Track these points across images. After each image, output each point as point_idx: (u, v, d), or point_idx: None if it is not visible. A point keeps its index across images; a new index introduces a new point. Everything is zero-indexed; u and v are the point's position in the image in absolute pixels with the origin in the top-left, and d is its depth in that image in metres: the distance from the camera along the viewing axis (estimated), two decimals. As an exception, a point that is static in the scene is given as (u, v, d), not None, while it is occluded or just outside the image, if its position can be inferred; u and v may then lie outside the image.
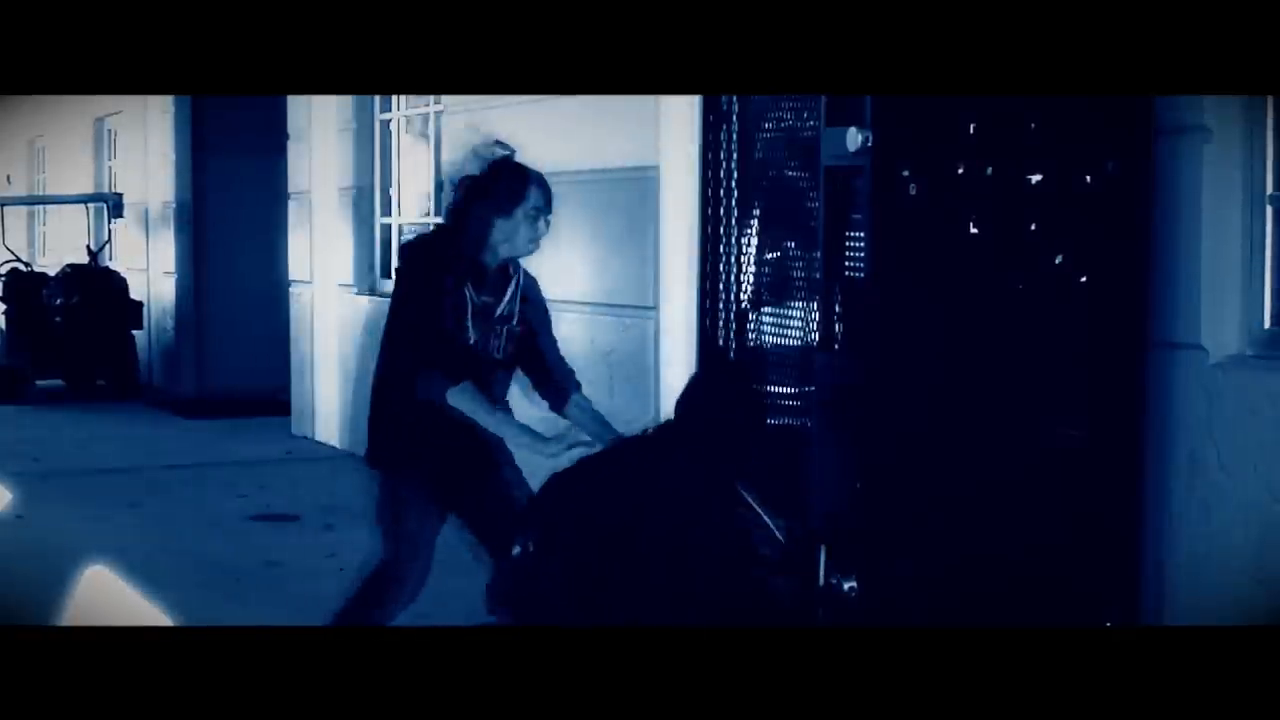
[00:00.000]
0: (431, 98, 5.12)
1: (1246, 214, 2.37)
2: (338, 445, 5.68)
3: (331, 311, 5.79)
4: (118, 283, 7.58)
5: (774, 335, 2.66)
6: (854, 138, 2.24)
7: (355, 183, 5.60)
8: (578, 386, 2.58)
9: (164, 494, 4.74)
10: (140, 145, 7.93)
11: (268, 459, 5.41)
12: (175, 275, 7.48)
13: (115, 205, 7.88)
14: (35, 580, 3.45)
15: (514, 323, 2.48)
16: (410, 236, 2.51)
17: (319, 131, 5.78)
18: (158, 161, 7.63)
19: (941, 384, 2.28)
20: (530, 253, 2.51)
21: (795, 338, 2.55)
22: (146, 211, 7.86)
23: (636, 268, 3.86)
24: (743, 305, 2.79)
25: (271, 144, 6.33)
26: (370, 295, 5.53)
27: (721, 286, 2.85)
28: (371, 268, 5.62)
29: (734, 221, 2.79)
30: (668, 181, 3.67)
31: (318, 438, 5.86)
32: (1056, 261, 2.34)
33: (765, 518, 2.43)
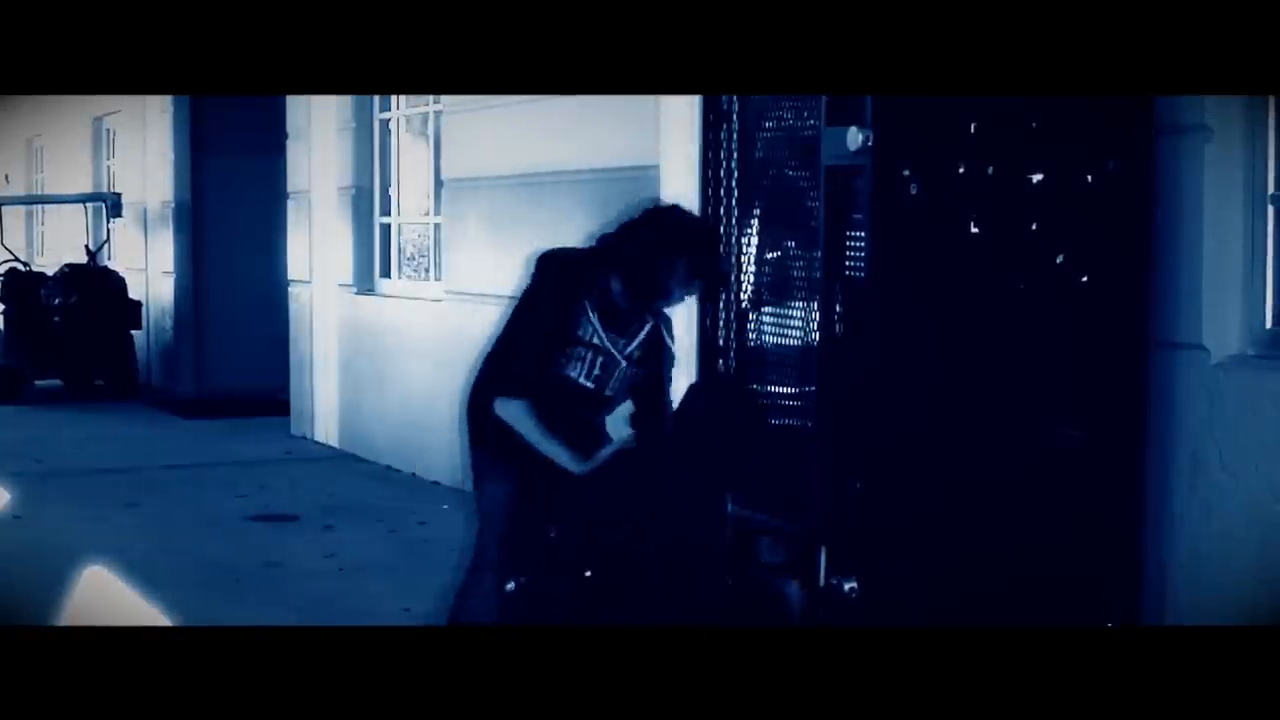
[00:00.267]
0: (431, 97, 5.12)
1: (1248, 213, 2.36)
2: (337, 445, 5.68)
3: (331, 311, 5.78)
4: (116, 283, 7.57)
5: (774, 335, 2.65)
6: (854, 137, 2.23)
7: (354, 182, 5.59)
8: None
9: (163, 494, 4.73)
10: (139, 145, 7.92)
11: (267, 459, 5.41)
12: (174, 275, 7.47)
13: (114, 205, 7.87)
14: (34, 580, 3.44)
15: (633, 364, 2.42)
16: (550, 249, 2.51)
17: (318, 131, 5.78)
18: (156, 161, 7.62)
19: (942, 384, 2.28)
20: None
21: (795, 338, 2.55)
22: (145, 211, 7.85)
23: (636, 267, 3.85)
24: (743, 305, 2.78)
25: (270, 143, 6.33)
26: (370, 295, 5.53)
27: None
28: (371, 267, 5.61)
29: (734, 221, 2.79)
30: (668, 181, 3.67)
31: (317, 438, 5.85)
32: (1057, 261, 2.34)
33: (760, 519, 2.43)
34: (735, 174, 2.77)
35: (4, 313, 7.48)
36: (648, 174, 3.76)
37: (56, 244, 9.47)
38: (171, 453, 5.58)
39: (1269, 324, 2.38)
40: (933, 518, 2.27)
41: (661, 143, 3.68)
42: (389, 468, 5.19)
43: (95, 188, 8.79)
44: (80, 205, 8.42)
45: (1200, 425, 2.35)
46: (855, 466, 2.28)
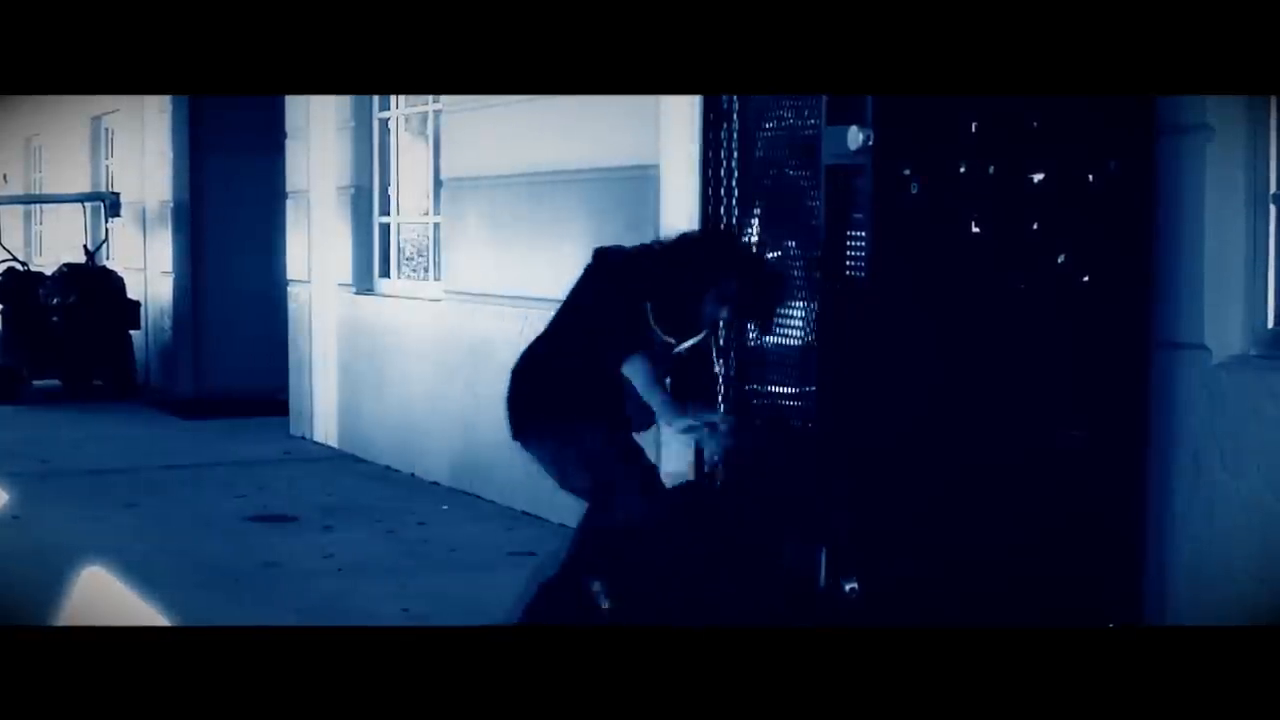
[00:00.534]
0: (430, 96, 5.11)
1: (1250, 213, 2.36)
2: (336, 445, 5.67)
3: (330, 311, 5.77)
4: (115, 282, 7.55)
5: (774, 335, 2.65)
6: (855, 137, 2.23)
7: (354, 181, 5.58)
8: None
9: (161, 494, 4.71)
10: (138, 144, 7.90)
11: (266, 459, 5.39)
12: (173, 275, 7.46)
13: (112, 204, 7.86)
14: (32, 581, 3.43)
15: (683, 352, 2.60)
16: (609, 248, 2.66)
17: (317, 130, 5.77)
18: (155, 160, 7.61)
19: (942, 384, 2.28)
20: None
21: (796, 338, 2.55)
22: (144, 211, 7.84)
23: (636, 267, 3.84)
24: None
25: (269, 143, 6.31)
26: (369, 295, 5.53)
27: (722, 286, 2.84)
28: (370, 267, 5.61)
29: (734, 221, 2.79)
30: (668, 180, 3.66)
31: (316, 438, 5.84)
32: (1059, 261, 2.34)
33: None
34: (735, 173, 2.77)
35: (2, 312, 7.45)
36: (648, 173, 3.76)
37: (55, 244, 9.45)
38: (170, 453, 5.56)
39: (1270, 324, 2.38)
40: (933, 518, 2.27)
41: (662, 142, 3.67)
42: (388, 468, 5.18)
43: (94, 187, 8.77)
44: (79, 205, 8.40)
45: (1202, 425, 2.34)
46: (855, 467, 2.28)
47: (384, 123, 5.52)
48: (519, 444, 2.64)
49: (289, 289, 6.16)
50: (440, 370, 4.88)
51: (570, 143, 4.16)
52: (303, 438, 5.90)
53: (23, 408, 6.92)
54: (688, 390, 2.64)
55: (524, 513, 4.25)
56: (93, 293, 7.38)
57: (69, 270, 7.59)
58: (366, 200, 5.58)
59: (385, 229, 5.59)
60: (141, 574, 3.50)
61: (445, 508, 4.49)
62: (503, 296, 4.53)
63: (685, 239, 2.64)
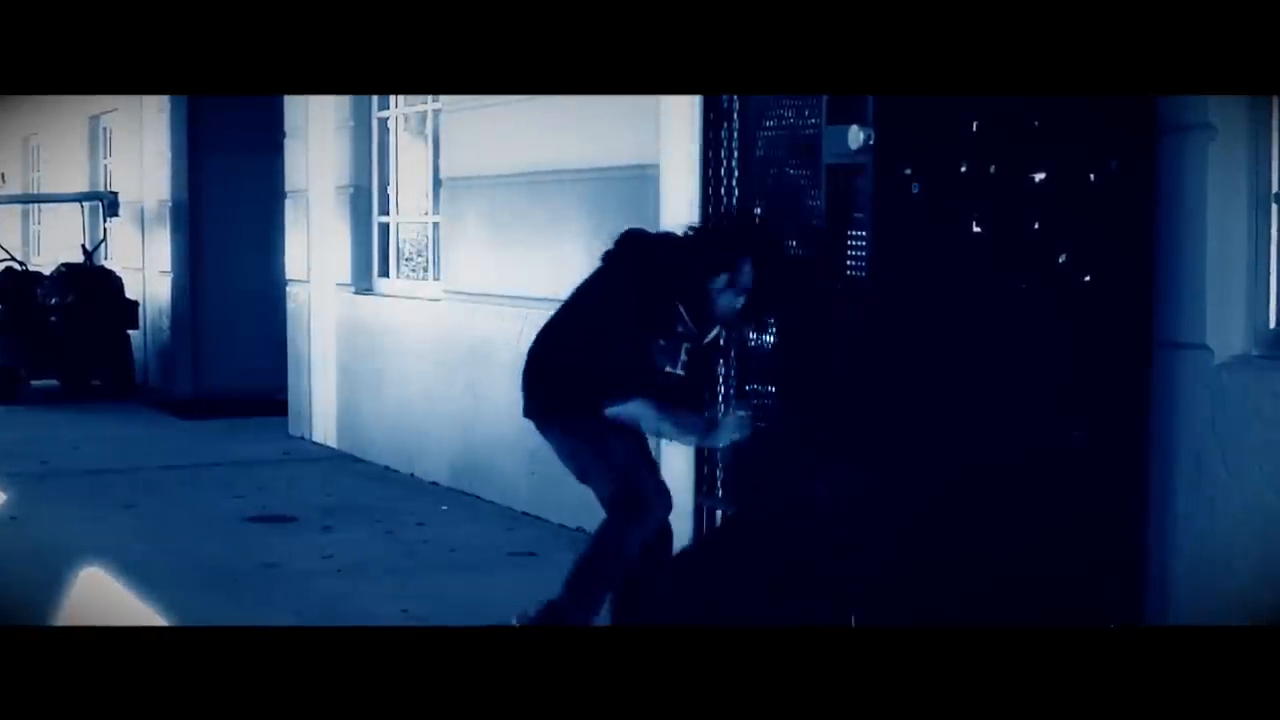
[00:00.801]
0: (430, 95, 5.10)
1: (1252, 213, 2.36)
2: (335, 446, 5.66)
3: (329, 311, 5.76)
4: (113, 282, 7.53)
5: (775, 335, 2.65)
6: (856, 136, 2.23)
7: (353, 181, 5.57)
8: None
9: (160, 495, 4.70)
10: (136, 143, 7.89)
11: (265, 459, 5.38)
12: (171, 274, 7.44)
13: (111, 204, 7.84)
14: (30, 581, 3.42)
15: (703, 344, 2.58)
16: (641, 235, 2.58)
17: (316, 129, 5.76)
18: (153, 160, 7.59)
19: (943, 384, 2.28)
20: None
21: (796, 338, 2.54)
22: (142, 210, 7.82)
23: (636, 267, 3.83)
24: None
25: (268, 142, 6.30)
26: (368, 294, 5.52)
27: (722, 286, 2.83)
28: (369, 267, 5.60)
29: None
30: (668, 180, 3.66)
31: (315, 438, 5.83)
32: (1059, 261, 2.33)
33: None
34: (736, 173, 2.77)
35: (0, 313, 7.45)
36: (648, 173, 3.75)
37: (53, 243, 9.44)
38: (169, 453, 5.54)
39: (1272, 324, 2.38)
40: (935, 518, 2.26)
41: (662, 141, 3.67)
42: (387, 468, 5.17)
43: (92, 187, 8.75)
44: (77, 204, 8.38)
45: (1203, 425, 2.34)
46: (856, 467, 2.27)
47: (383, 122, 5.51)
48: (532, 423, 2.59)
49: (288, 289, 6.14)
50: (440, 370, 4.87)
51: (570, 142, 4.15)
52: (302, 438, 5.88)
53: (21, 408, 6.90)
54: (693, 392, 2.63)
55: (524, 513, 4.24)
56: (91, 293, 7.36)
57: (67, 270, 7.57)
58: (366, 200, 5.57)
59: (384, 229, 5.58)
60: (140, 574, 3.49)
61: (444, 508, 4.48)
62: (502, 296, 4.52)
63: (714, 226, 2.60)
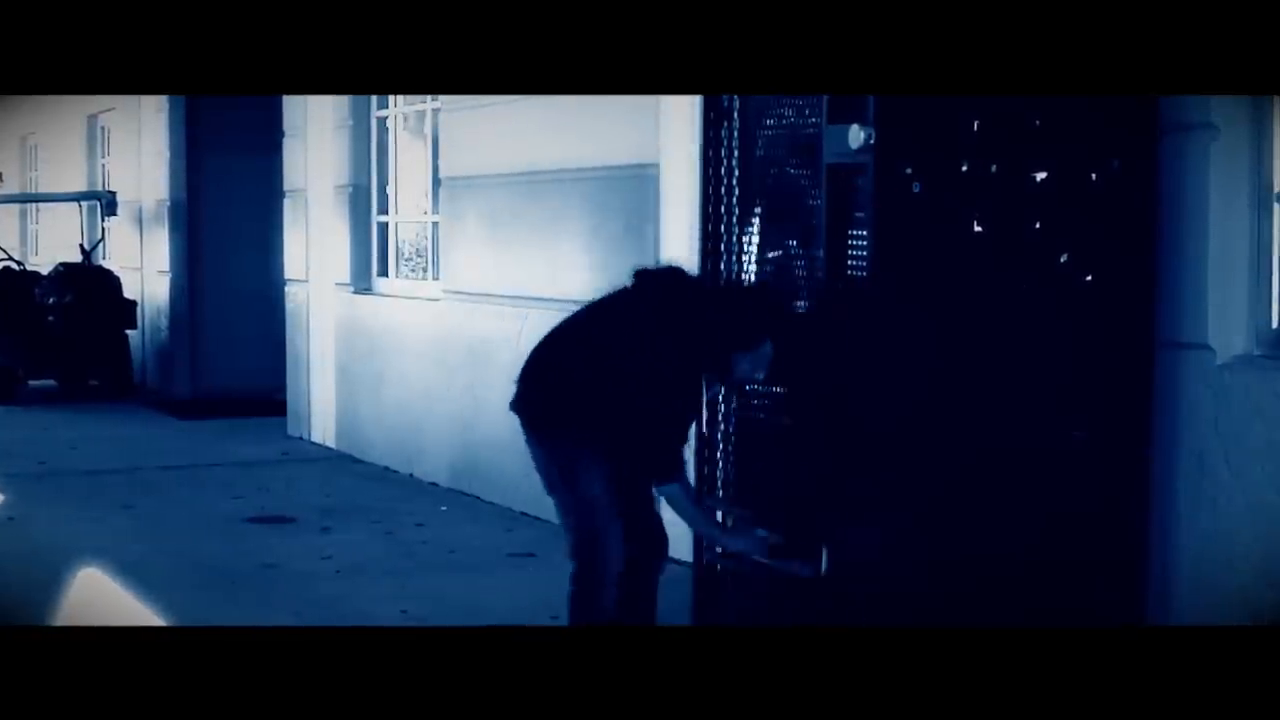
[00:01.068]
0: (429, 95, 5.09)
1: (1254, 212, 2.35)
2: (334, 446, 5.65)
3: (328, 311, 5.75)
4: (111, 282, 7.51)
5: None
6: (856, 135, 2.22)
7: (352, 180, 5.56)
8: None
9: (159, 495, 4.69)
10: (134, 142, 7.87)
11: (263, 460, 5.37)
12: (169, 274, 7.43)
13: (109, 203, 7.83)
14: (28, 582, 3.41)
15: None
16: (668, 278, 2.54)
17: (315, 129, 5.74)
18: (152, 159, 7.58)
19: (945, 384, 2.27)
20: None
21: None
22: (140, 209, 7.81)
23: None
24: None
25: (267, 141, 6.29)
26: (367, 294, 5.51)
27: (723, 286, 2.83)
28: (368, 266, 5.59)
29: (735, 220, 2.77)
30: (668, 179, 3.65)
31: (314, 438, 5.82)
32: (1061, 261, 2.33)
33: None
34: (736, 172, 2.76)
35: (-2, 312, 7.43)
36: (647, 172, 3.74)
37: (51, 243, 9.42)
38: (167, 453, 5.53)
39: (1274, 324, 2.37)
40: (936, 518, 2.26)
41: (662, 141, 3.66)
42: (386, 469, 5.16)
43: (90, 186, 8.74)
44: (75, 204, 8.36)
45: (1206, 425, 2.33)
46: (856, 467, 2.27)
47: (382, 121, 5.50)
48: (522, 428, 2.56)
49: (286, 288, 6.13)
50: (439, 370, 4.86)
51: (570, 141, 4.15)
52: (301, 438, 5.87)
53: (19, 408, 6.89)
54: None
55: (523, 514, 4.24)
56: (89, 292, 7.34)
57: (65, 270, 7.56)
58: (365, 199, 5.56)
59: (383, 228, 5.57)
60: (138, 575, 3.48)
61: (444, 509, 4.47)
62: (502, 296, 4.51)
63: (740, 293, 2.58)
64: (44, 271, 7.75)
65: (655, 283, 2.52)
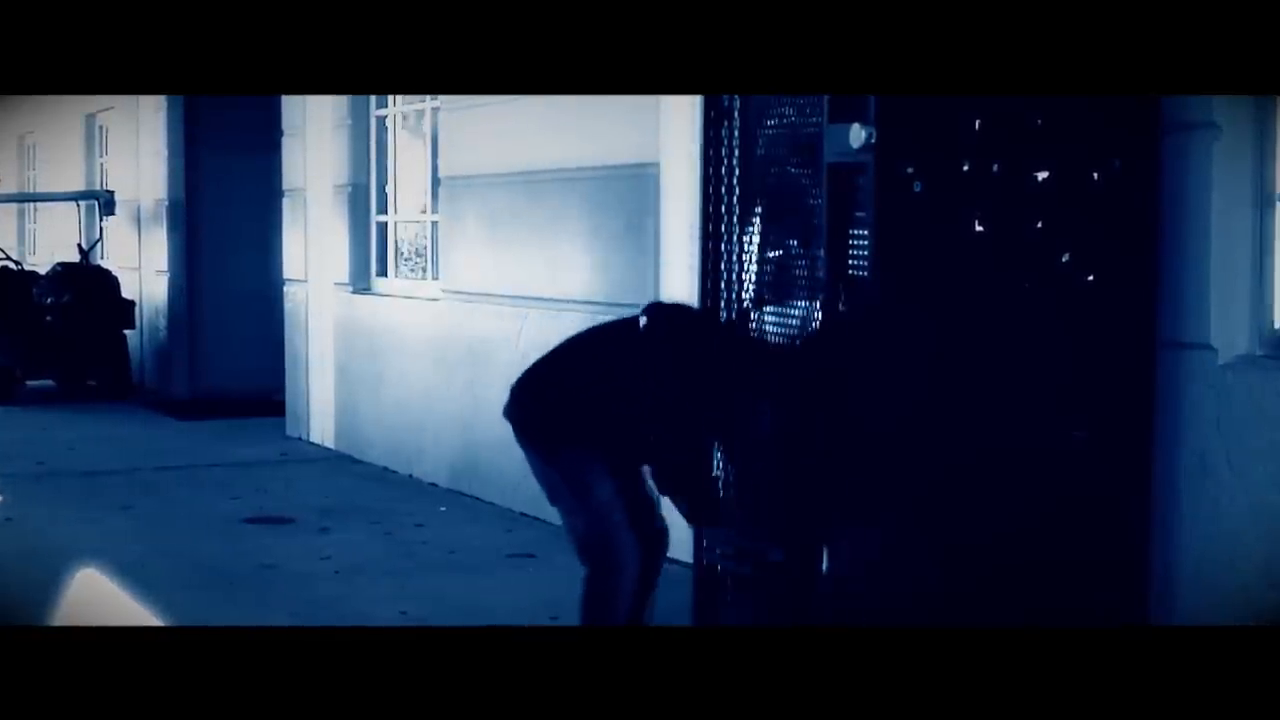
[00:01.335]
0: (428, 95, 5.08)
1: (1256, 212, 2.34)
2: (333, 446, 5.64)
3: (327, 311, 5.74)
4: (109, 281, 7.50)
5: (776, 335, 2.63)
6: (857, 134, 2.21)
7: (351, 180, 5.55)
8: None
9: (157, 496, 4.68)
10: (132, 142, 7.86)
11: (262, 460, 5.36)
12: (168, 274, 7.42)
13: (107, 203, 7.81)
14: (25, 583, 3.40)
15: None
16: (684, 318, 2.58)
17: (314, 128, 5.73)
18: (150, 158, 7.56)
19: (946, 384, 2.26)
20: None
21: (798, 338, 2.53)
22: (139, 209, 7.80)
23: (636, 266, 3.83)
24: (744, 304, 2.76)
25: (265, 140, 6.28)
26: (366, 294, 5.50)
27: (723, 285, 2.83)
28: (367, 266, 5.58)
29: (735, 219, 2.77)
30: (668, 178, 3.64)
31: (313, 439, 5.81)
32: (1062, 261, 2.32)
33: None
34: (736, 172, 2.75)
35: (-4, 312, 7.41)
36: (647, 172, 3.74)
37: (49, 242, 9.41)
38: (166, 454, 5.52)
39: (1277, 324, 2.36)
40: (937, 518, 2.25)
41: (662, 140, 3.65)
42: (385, 469, 5.15)
43: (88, 185, 8.72)
44: (73, 203, 8.35)
45: (1208, 426, 2.33)
46: (857, 467, 2.26)
47: (381, 120, 5.49)
48: (517, 437, 2.57)
49: (285, 288, 6.12)
50: (438, 370, 4.85)
51: (569, 141, 4.14)
52: (299, 439, 5.86)
53: (17, 408, 6.88)
54: None
55: (523, 514, 4.23)
56: (87, 292, 7.33)
57: (63, 269, 7.54)
58: (364, 199, 5.55)
59: (382, 228, 5.56)
60: (137, 576, 3.47)
61: (443, 509, 4.46)
62: (501, 296, 4.50)
63: (744, 344, 2.58)
64: (42, 271, 7.74)
65: (669, 324, 2.52)
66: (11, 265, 7.92)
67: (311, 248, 5.87)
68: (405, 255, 5.51)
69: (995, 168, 2.27)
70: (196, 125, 7.13)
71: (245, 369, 6.72)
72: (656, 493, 2.55)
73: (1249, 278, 2.35)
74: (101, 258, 8.13)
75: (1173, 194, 2.37)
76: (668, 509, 2.62)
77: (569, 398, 2.49)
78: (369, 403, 5.37)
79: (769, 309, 2.66)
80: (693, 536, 2.82)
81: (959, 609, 2.21)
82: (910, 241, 2.25)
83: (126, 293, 7.50)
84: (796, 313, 2.52)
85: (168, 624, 3.06)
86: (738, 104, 2.70)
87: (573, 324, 3.79)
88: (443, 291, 4.89)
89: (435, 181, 5.02)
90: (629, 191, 3.87)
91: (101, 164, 8.87)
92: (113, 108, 8.20)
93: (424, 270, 5.33)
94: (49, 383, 7.34)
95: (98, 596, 3.35)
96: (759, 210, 2.69)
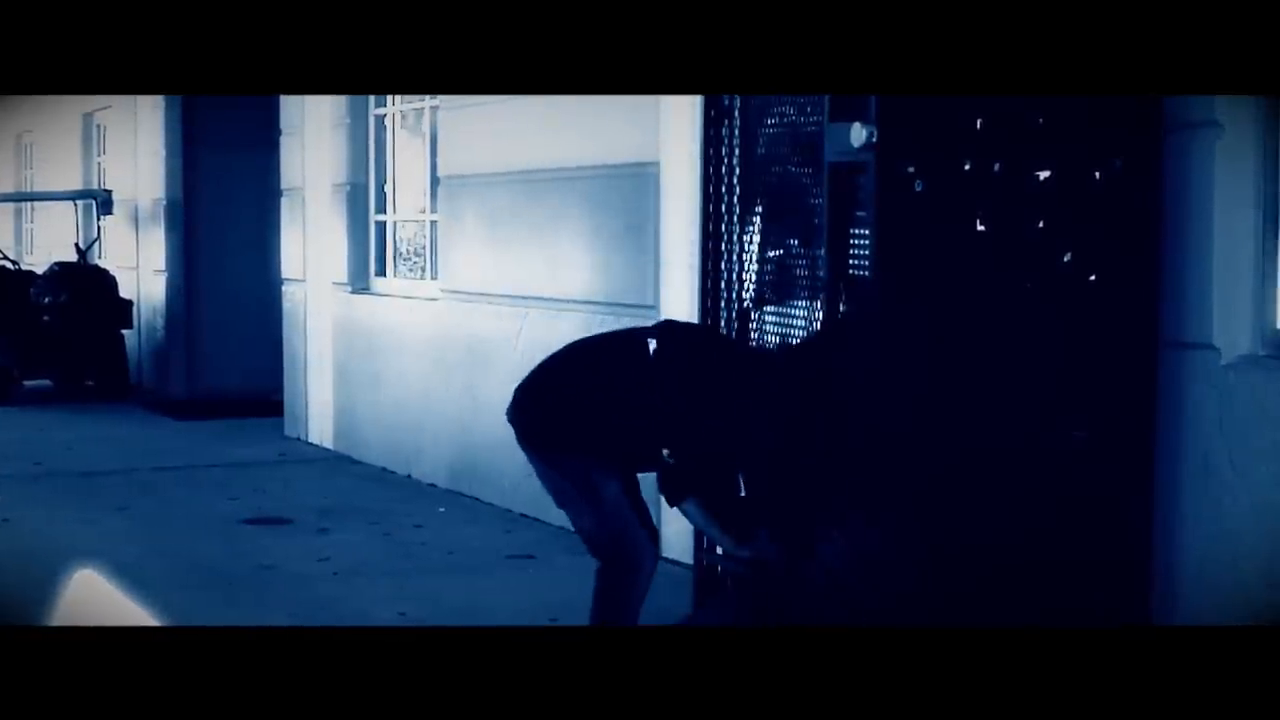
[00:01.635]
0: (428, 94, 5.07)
1: (1259, 211, 2.34)
2: (331, 447, 5.63)
3: (325, 310, 5.73)
4: (107, 281, 7.48)
5: (777, 335, 2.62)
6: (858, 133, 2.21)
7: (349, 179, 5.54)
8: None
9: (155, 496, 4.67)
10: (130, 141, 7.84)
11: (260, 461, 5.35)
12: (166, 273, 7.40)
13: (104, 202, 7.80)
14: (22, 584, 3.39)
15: None
16: (699, 338, 2.58)
17: (312, 127, 5.72)
18: (148, 157, 7.55)
19: (947, 384, 2.26)
20: None
21: (799, 338, 2.52)
22: (136, 208, 7.78)
23: (636, 266, 3.82)
24: (745, 304, 2.76)
25: (264, 139, 6.26)
26: (365, 294, 5.49)
27: (723, 285, 2.82)
28: (366, 266, 5.56)
29: (736, 219, 2.76)
30: (668, 178, 3.63)
31: (311, 439, 5.80)
32: (1064, 260, 2.31)
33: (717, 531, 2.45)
34: (737, 171, 2.74)
35: (-7, 312, 7.39)
36: (647, 171, 3.73)
37: (46, 242, 9.39)
38: (163, 454, 5.51)
39: None
40: (939, 518, 2.24)
41: (662, 139, 3.64)
42: (384, 470, 5.14)
43: (86, 184, 8.71)
44: (70, 202, 8.33)
45: (1210, 426, 2.32)
46: (858, 466, 2.25)
47: (380, 119, 5.48)
48: (519, 441, 2.57)
49: (284, 288, 6.11)
50: (437, 370, 4.84)
51: (569, 140, 4.13)
52: (298, 439, 5.85)
53: (14, 408, 6.86)
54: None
55: (522, 515, 4.22)
56: (85, 292, 7.31)
57: (60, 269, 7.52)
58: (362, 198, 5.54)
59: (381, 227, 5.55)
60: (134, 577, 3.46)
61: (442, 510, 4.45)
62: (501, 296, 4.49)
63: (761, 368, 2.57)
64: (39, 271, 7.71)
65: (675, 346, 2.50)
66: (9, 265, 7.91)
67: (310, 247, 5.85)
68: (404, 255, 5.50)
69: (996, 167, 2.27)
70: (194, 124, 7.11)
71: (243, 369, 6.71)
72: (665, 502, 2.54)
73: (1251, 277, 2.35)
74: (99, 257, 8.12)
75: (1175, 193, 2.36)
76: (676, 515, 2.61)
77: (572, 403, 2.48)
78: (368, 403, 5.35)
79: (769, 309, 2.65)
80: (693, 537, 2.81)
81: (961, 609, 2.21)
82: (911, 241, 2.24)
83: (124, 292, 7.49)
84: (797, 312, 2.51)
85: (165, 625, 3.05)
86: (738, 103, 2.70)
87: (572, 324, 3.80)
88: (442, 291, 4.88)
89: (434, 181, 5.01)
90: (629, 191, 3.87)
91: (99, 163, 8.85)
92: (110, 107, 8.18)
93: (423, 270, 5.32)
94: (46, 383, 7.32)
95: (95, 597, 3.34)
96: (759, 209, 2.68)
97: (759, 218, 2.69)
